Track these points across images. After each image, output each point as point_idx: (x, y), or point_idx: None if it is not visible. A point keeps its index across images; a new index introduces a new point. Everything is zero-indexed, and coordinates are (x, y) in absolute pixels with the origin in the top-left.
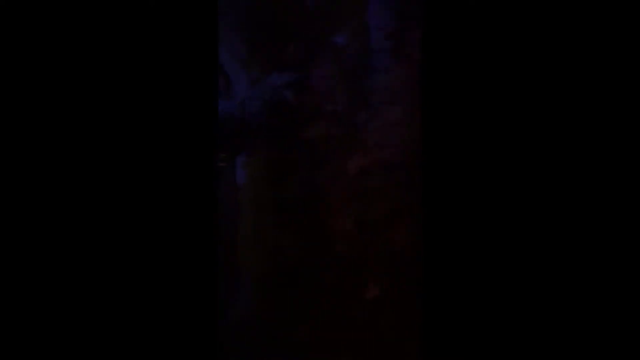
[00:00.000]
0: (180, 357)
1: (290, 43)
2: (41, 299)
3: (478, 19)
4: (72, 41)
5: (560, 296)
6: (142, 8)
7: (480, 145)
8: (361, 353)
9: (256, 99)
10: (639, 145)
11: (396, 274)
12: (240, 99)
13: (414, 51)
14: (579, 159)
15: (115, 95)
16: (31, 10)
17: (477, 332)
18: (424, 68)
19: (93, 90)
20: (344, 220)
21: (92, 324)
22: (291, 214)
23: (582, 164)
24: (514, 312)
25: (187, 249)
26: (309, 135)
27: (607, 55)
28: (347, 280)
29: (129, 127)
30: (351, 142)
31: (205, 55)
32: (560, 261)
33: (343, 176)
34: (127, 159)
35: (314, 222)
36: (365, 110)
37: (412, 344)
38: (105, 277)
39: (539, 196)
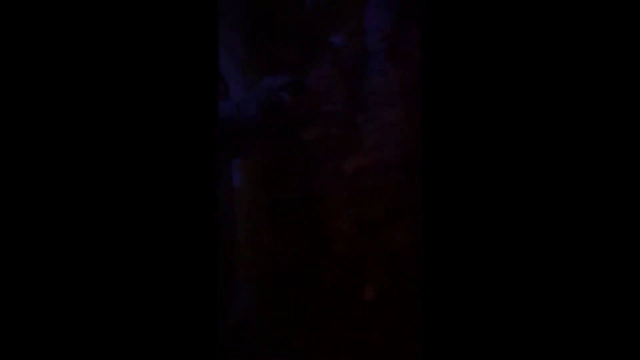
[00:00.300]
0: (180, 357)
1: (288, 44)
2: (41, 300)
3: (478, 19)
4: (74, 43)
5: (560, 295)
6: (143, 9)
7: (480, 146)
8: (360, 353)
9: (253, 100)
10: (637, 146)
11: (395, 274)
12: (238, 100)
13: (412, 52)
14: (578, 159)
15: (115, 96)
16: (31, 11)
17: (477, 332)
18: (424, 68)
19: (94, 91)
20: (342, 221)
21: (93, 324)
22: (289, 215)
23: (581, 164)
24: (514, 312)
25: (188, 249)
26: (307, 136)
27: (608, 56)
28: (346, 281)
29: (130, 129)
30: (349, 143)
31: (205, 56)
32: (559, 260)
33: (341, 177)
34: (128, 160)
35: (313, 223)
36: (363, 111)
37: (411, 344)
38: (105, 277)
39: (538, 196)
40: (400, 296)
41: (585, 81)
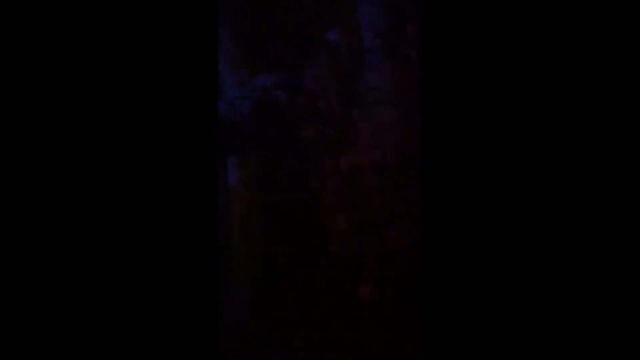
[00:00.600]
0: (179, 357)
1: (282, 42)
2: (41, 300)
3: (478, 18)
4: (75, 46)
5: (559, 294)
6: (143, 10)
7: (480, 145)
8: (358, 353)
9: (247, 99)
10: (638, 145)
11: (392, 274)
12: (231, 99)
13: (407, 49)
14: (577, 158)
15: (114, 96)
16: (31, 11)
17: (476, 331)
18: (424, 68)
19: (93, 91)
20: (338, 220)
21: (92, 323)
22: (285, 215)
23: (580, 164)
24: (513, 312)
25: (187, 249)
26: (302, 135)
27: (608, 54)
28: (341, 281)
29: (130, 129)
30: (345, 142)
31: (205, 57)
32: (559, 259)
33: (336, 176)
34: (128, 161)
35: (309, 222)
36: (359, 108)
37: (408, 344)
38: (105, 277)
39: (537, 196)
40: (395, 296)
41: (584, 78)
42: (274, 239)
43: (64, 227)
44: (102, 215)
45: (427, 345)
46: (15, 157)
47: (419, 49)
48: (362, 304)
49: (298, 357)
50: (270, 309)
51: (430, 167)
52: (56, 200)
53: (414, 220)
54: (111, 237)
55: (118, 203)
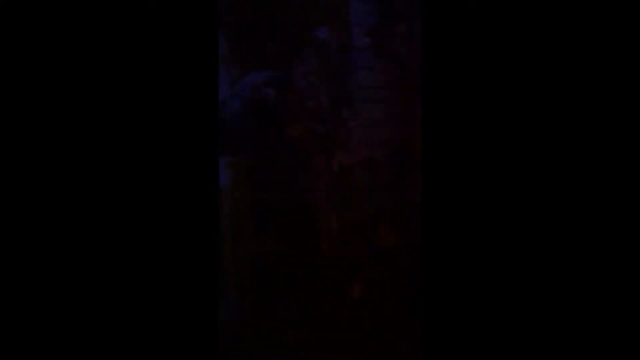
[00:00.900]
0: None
1: (272, 40)
2: (41, 300)
3: (477, 17)
4: (75, 46)
5: (558, 293)
6: (143, 9)
7: (473, 142)
8: (350, 351)
9: (238, 97)
10: (637, 145)
11: (383, 273)
12: (222, 97)
13: (397, 46)
14: (576, 157)
15: (114, 96)
16: (30, 12)
17: (472, 331)
18: (416, 66)
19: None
20: (329, 219)
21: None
22: (276, 213)
23: (579, 163)
24: (512, 312)
25: (187, 249)
26: (292, 133)
27: (608, 54)
28: (334, 280)
29: (130, 129)
30: (335, 140)
31: (205, 57)
32: (558, 258)
33: (327, 174)
34: (127, 160)
35: (299, 221)
36: (349, 107)
37: (407, 344)
38: (104, 279)
39: (536, 196)
40: (392, 294)
41: (582, 76)
42: (265, 238)
43: (61, 227)
44: (93, 216)
45: (427, 344)
46: (15, 157)
47: (409, 47)
48: (355, 303)
49: (297, 356)
50: (260, 307)
51: (420, 165)
52: (53, 199)
53: (406, 218)
54: (105, 237)
55: (109, 203)
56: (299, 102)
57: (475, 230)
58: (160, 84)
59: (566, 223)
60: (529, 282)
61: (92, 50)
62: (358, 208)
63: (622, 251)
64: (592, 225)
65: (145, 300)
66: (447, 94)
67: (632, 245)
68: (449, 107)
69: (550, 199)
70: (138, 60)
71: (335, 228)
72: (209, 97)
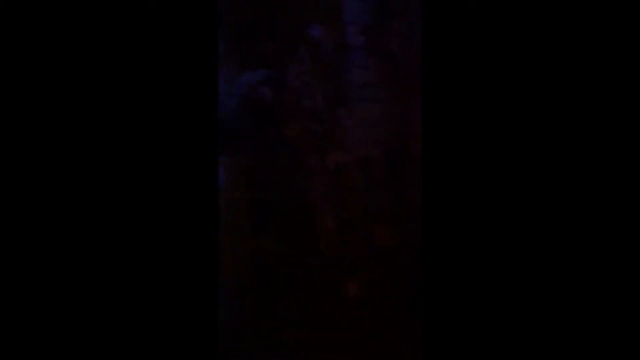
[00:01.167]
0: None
1: (267, 39)
2: (41, 299)
3: (477, 15)
4: (75, 46)
5: (558, 292)
6: (143, 9)
7: (469, 141)
8: (348, 350)
9: (234, 96)
10: (637, 145)
11: (380, 273)
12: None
13: (392, 45)
14: (575, 156)
15: (114, 96)
16: (30, 13)
17: (476, 331)
18: (424, 68)
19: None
20: (326, 218)
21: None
22: (272, 213)
23: (579, 162)
24: (511, 312)
25: (187, 249)
26: (288, 133)
27: (608, 54)
28: (332, 279)
29: (130, 129)
30: (331, 139)
31: (205, 57)
32: (558, 258)
33: (323, 173)
34: (129, 161)
35: (296, 221)
36: (344, 106)
37: (407, 344)
38: (103, 279)
39: (536, 196)
40: (390, 294)
41: (582, 73)
42: (264, 237)
43: (62, 227)
44: (93, 216)
45: (427, 344)
46: (15, 157)
47: (405, 45)
48: (355, 303)
49: (296, 356)
50: (258, 307)
51: (418, 164)
52: (55, 199)
53: (404, 217)
54: (105, 237)
55: (108, 203)
56: (295, 102)
57: (475, 230)
58: (160, 84)
59: (566, 222)
60: (529, 282)
61: (91, 49)
62: (355, 207)
63: (622, 251)
64: (592, 225)
65: (145, 300)
66: (446, 92)
67: (632, 245)
68: (449, 105)
69: (550, 198)
70: (138, 60)
71: (334, 228)
72: (209, 97)
